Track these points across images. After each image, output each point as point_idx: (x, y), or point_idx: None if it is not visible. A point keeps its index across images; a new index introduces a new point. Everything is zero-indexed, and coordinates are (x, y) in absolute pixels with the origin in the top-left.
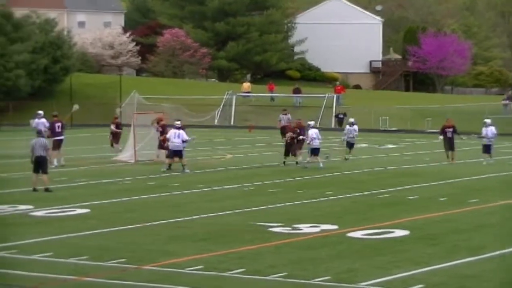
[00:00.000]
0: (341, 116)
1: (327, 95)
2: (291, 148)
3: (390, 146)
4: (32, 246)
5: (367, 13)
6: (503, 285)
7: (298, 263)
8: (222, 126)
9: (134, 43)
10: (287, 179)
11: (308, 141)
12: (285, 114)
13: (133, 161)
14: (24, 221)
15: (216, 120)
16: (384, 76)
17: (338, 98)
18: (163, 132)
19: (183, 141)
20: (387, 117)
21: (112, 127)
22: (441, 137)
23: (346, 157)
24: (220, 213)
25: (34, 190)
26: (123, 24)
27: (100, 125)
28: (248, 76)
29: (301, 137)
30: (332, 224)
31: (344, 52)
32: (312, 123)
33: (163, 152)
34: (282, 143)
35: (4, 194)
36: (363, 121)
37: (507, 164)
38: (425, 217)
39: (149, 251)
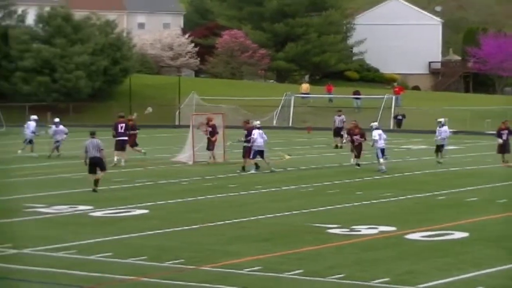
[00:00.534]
0: (400, 117)
1: (385, 96)
2: (360, 150)
3: (450, 147)
4: (91, 246)
5: (427, 13)
6: None
7: (357, 264)
8: (281, 127)
9: (193, 44)
10: (346, 180)
11: (371, 143)
12: (339, 116)
13: (191, 162)
14: (84, 221)
15: (274, 121)
16: (443, 77)
17: (397, 99)
18: (213, 132)
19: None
20: (446, 119)
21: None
22: (500, 140)
23: (439, 161)
24: (281, 214)
25: (94, 190)
26: (182, 26)
27: (159, 126)
28: (307, 77)
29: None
30: (391, 225)
31: (403, 53)
32: (375, 124)
33: (218, 153)
34: (340, 144)
35: (64, 195)
36: (422, 122)
37: None
38: (484, 219)
39: (211, 251)
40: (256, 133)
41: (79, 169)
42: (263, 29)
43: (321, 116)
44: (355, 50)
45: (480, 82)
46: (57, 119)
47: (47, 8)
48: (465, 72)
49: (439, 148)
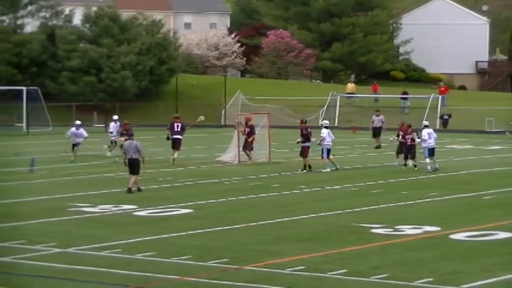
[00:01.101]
0: (446, 117)
1: (431, 96)
2: (411, 150)
3: (496, 147)
4: (135, 245)
5: (473, 13)
6: None
7: (402, 265)
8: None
9: (239, 44)
10: (390, 180)
11: (420, 142)
12: (378, 116)
13: (236, 161)
14: (128, 220)
15: (320, 121)
16: (490, 76)
17: (443, 99)
18: (251, 133)
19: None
20: (493, 118)
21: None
22: None
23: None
24: (324, 214)
25: (129, 190)
26: (228, 25)
27: (205, 126)
28: (353, 77)
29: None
30: (435, 225)
31: (450, 52)
32: (426, 122)
33: (261, 153)
34: (386, 144)
35: (108, 194)
36: (468, 122)
37: None
38: None
39: (254, 251)
40: (325, 132)
41: (122, 169)
42: (309, 29)
43: (366, 116)
44: (401, 50)
45: None
46: (78, 122)
47: (94, 8)
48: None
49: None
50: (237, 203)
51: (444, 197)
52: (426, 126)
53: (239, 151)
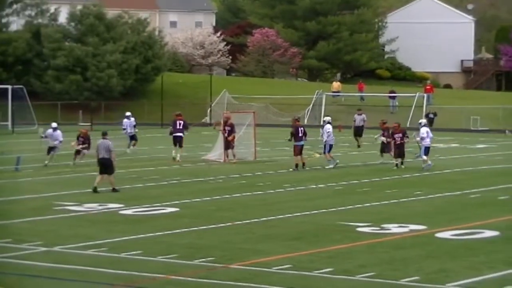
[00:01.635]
0: (431, 116)
1: (417, 94)
2: (401, 149)
3: (481, 146)
4: (121, 244)
5: (459, 12)
6: None
7: (388, 263)
8: (312, 126)
9: (225, 43)
10: (376, 179)
11: (420, 140)
12: (360, 114)
13: (222, 160)
14: (114, 219)
15: (305, 120)
16: (475, 75)
17: (428, 97)
18: (231, 131)
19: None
20: (478, 117)
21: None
22: None
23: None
24: (311, 212)
25: (94, 190)
26: (214, 24)
27: (190, 124)
28: (338, 75)
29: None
30: (421, 224)
31: (435, 51)
32: (423, 121)
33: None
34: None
35: (95, 192)
36: (453, 120)
37: None
38: None
39: (240, 250)
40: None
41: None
42: (295, 27)
43: (352, 114)
44: (386, 48)
45: None
46: (55, 124)
47: (80, 7)
48: (497, 71)
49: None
50: (224, 201)
51: (430, 196)
52: (425, 125)
53: (225, 150)
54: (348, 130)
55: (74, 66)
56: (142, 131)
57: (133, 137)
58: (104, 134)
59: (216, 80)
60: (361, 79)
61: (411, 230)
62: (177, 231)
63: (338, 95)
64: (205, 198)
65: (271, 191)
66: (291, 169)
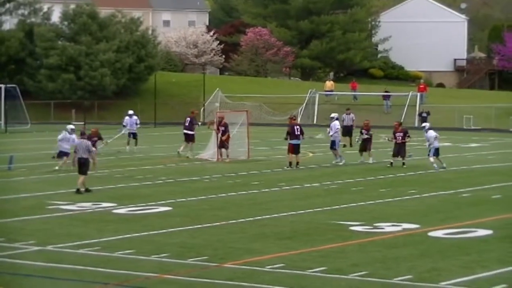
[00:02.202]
0: (425, 114)
1: (410, 93)
2: (402, 148)
3: (474, 145)
4: (114, 243)
5: (452, 11)
6: None
7: (381, 262)
8: (305, 125)
9: (218, 42)
10: (369, 178)
11: (428, 143)
12: (349, 114)
13: (215, 159)
14: (107, 218)
15: (299, 119)
16: (468, 74)
17: (421, 96)
18: (225, 131)
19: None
20: (471, 116)
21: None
22: None
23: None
24: (304, 211)
25: (78, 191)
26: (207, 23)
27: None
28: (331, 74)
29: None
30: (414, 223)
31: (428, 50)
32: (427, 124)
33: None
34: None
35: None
36: (446, 119)
37: None
38: (509, 217)
39: (233, 249)
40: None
41: (101, 166)
42: (288, 26)
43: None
44: (379, 47)
45: (505, 80)
46: (71, 126)
47: (73, 6)
48: (490, 70)
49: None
50: (217, 200)
51: (423, 195)
52: (430, 129)
53: (218, 149)
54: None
55: (67, 65)
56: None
57: (134, 135)
58: (83, 134)
59: (209, 79)
60: (354, 78)
61: (404, 229)
62: (170, 230)
63: (331, 94)
64: (198, 197)
65: (264, 190)
66: (285, 167)
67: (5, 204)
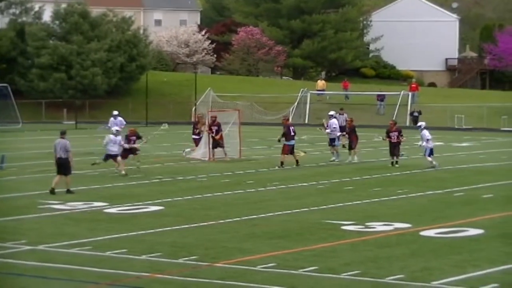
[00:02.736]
0: (416, 114)
1: (402, 92)
2: (396, 148)
3: (466, 144)
4: (106, 242)
5: (443, 10)
6: None
7: (373, 261)
8: (296, 124)
9: (209, 41)
10: (362, 177)
11: (420, 143)
12: (342, 114)
13: (207, 158)
14: (99, 217)
15: (290, 118)
16: (460, 74)
17: (413, 96)
18: (219, 130)
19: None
20: (463, 115)
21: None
22: None
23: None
24: (296, 211)
25: (52, 191)
26: (198, 22)
27: (175, 123)
28: (323, 73)
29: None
30: (406, 222)
31: (420, 49)
32: (423, 124)
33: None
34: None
35: (79, 191)
36: (438, 119)
37: None
38: (500, 216)
39: (225, 248)
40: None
41: (91, 167)
42: (280, 26)
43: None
44: (371, 47)
45: (496, 79)
46: (116, 127)
47: (64, 5)
48: (481, 69)
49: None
50: (208, 200)
51: (415, 194)
52: (425, 128)
53: (209, 148)
54: None
55: (58, 65)
56: (126, 129)
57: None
58: (63, 133)
59: (200, 79)
60: (346, 78)
61: (396, 229)
62: (161, 229)
63: (323, 94)
64: (189, 197)
65: (256, 189)
66: (277, 167)
67: None
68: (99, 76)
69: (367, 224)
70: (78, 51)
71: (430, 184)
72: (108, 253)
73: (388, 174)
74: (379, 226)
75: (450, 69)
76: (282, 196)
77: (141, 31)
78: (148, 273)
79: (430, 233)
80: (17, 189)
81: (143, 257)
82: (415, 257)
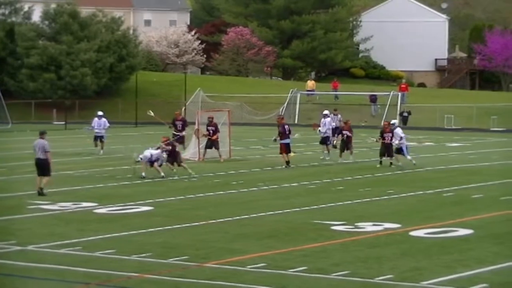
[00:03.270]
0: (406, 114)
1: (391, 93)
2: (389, 149)
3: (456, 144)
4: (95, 243)
5: (433, 11)
6: None
7: (362, 261)
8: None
9: (199, 42)
10: (351, 177)
11: (395, 141)
12: (336, 115)
13: (196, 158)
14: (88, 218)
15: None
16: (449, 74)
17: (402, 96)
18: (216, 130)
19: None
20: (452, 116)
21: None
22: None
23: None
24: (285, 211)
25: (39, 193)
26: (188, 23)
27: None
28: (313, 74)
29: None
30: (395, 222)
31: (409, 50)
32: (395, 121)
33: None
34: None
35: (68, 192)
36: (427, 119)
37: None
38: (489, 216)
39: (215, 249)
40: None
41: (85, 166)
42: (269, 26)
43: None
44: (361, 47)
45: (486, 79)
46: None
47: (54, 5)
48: (471, 69)
49: (399, 151)
50: (198, 200)
51: (404, 194)
52: (397, 126)
53: (199, 149)
54: None
55: (48, 65)
56: (116, 129)
57: (101, 138)
58: (42, 134)
59: (190, 79)
60: (335, 78)
61: (386, 229)
62: (151, 230)
63: (312, 94)
64: (179, 197)
65: (246, 189)
66: (283, 167)
67: None
68: (88, 76)
69: (357, 224)
70: (68, 51)
71: (420, 184)
72: (98, 253)
73: (379, 174)
74: (369, 226)
75: (439, 69)
76: (273, 196)
77: (131, 31)
78: (138, 273)
79: (420, 233)
80: (7, 189)
81: (133, 257)
82: (405, 257)
